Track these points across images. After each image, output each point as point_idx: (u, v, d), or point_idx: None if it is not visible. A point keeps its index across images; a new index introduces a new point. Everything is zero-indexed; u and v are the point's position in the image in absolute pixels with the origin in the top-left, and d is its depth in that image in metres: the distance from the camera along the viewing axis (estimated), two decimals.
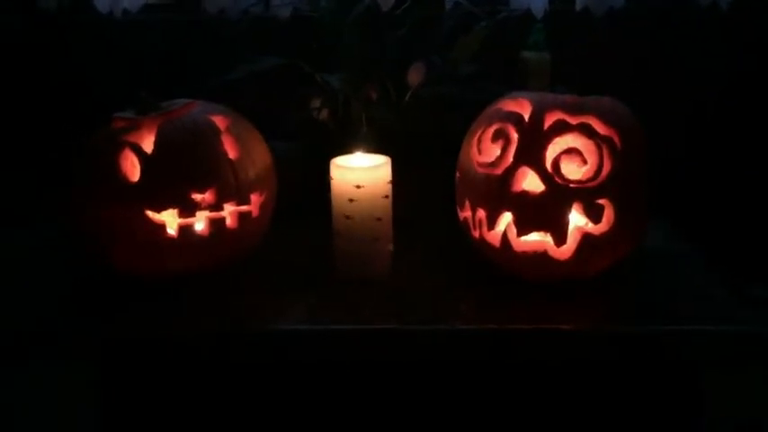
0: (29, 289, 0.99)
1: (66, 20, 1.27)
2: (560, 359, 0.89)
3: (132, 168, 0.91)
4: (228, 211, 0.94)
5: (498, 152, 0.91)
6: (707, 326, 0.86)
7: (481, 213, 0.92)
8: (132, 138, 0.92)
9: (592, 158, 0.88)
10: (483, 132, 0.93)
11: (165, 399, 0.95)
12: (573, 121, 0.89)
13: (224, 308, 0.92)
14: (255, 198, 0.96)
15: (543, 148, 0.89)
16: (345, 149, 0.99)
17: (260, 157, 0.98)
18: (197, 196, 0.91)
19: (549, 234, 0.89)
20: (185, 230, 0.92)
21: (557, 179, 0.88)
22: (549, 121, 0.89)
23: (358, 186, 0.93)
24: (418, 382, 0.93)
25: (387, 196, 0.95)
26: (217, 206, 0.93)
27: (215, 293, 0.95)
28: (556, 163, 0.88)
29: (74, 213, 0.94)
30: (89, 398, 0.94)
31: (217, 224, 0.93)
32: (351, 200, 0.93)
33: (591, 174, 0.88)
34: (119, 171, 0.91)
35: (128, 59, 1.29)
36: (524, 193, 0.89)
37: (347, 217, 0.94)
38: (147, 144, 0.92)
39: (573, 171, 0.88)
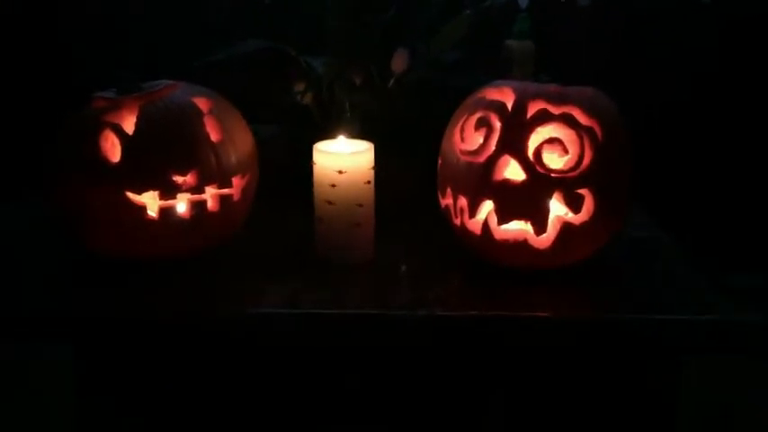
0: (9, 269, 0.98)
1: None
2: (540, 346, 0.90)
3: (113, 149, 0.91)
4: (210, 194, 0.93)
5: (481, 140, 0.91)
6: (685, 315, 0.87)
7: (462, 201, 0.93)
8: (113, 118, 0.91)
9: (573, 148, 0.88)
10: (466, 120, 0.94)
11: (142, 381, 0.95)
12: (555, 110, 0.89)
13: (205, 291, 0.92)
14: (237, 181, 0.96)
15: (525, 137, 0.89)
16: (328, 134, 0.99)
17: (242, 141, 0.98)
18: (178, 178, 0.91)
19: (529, 223, 0.89)
20: (166, 213, 0.91)
21: (538, 168, 0.88)
22: (531, 110, 0.90)
23: (340, 172, 0.93)
24: (398, 366, 0.94)
25: (369, 182, 0.95)
26: (198, 189, 0.92)
27: (196, 277, 0.94)
28: (538, 152, 0.88)
29: (53, 193, 0.93)
30: (65, 379, 0.94)
31: (198, 207, 0.93)
32: (333, 185, 0.93)
33: (572, 164, 0.88)
34: (99, 151, 0.90)
35: (110, 40, 1.27)
36: (506, 182, 0.89)
37: (329, 202, 0.94)
38: (129, 125, 0.91)
39: (554, 161, 0.89)
